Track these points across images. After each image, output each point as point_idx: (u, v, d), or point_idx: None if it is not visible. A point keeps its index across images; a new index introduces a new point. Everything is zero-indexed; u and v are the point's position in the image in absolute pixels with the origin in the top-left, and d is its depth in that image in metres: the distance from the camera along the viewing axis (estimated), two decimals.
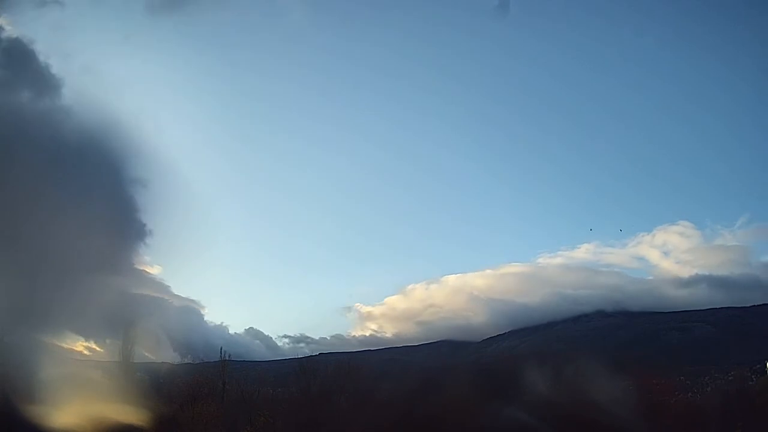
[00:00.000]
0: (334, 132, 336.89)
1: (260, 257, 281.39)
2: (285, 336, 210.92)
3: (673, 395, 44.66)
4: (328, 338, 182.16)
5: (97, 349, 51.35)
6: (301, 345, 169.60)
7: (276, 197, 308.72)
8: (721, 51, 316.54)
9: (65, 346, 46.65)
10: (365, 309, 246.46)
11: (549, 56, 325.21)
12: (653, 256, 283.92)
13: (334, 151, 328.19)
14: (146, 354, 50.55)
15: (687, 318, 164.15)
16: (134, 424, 35.21)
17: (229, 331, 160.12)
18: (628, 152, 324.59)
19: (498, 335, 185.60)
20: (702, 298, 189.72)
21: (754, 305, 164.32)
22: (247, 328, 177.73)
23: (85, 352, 51.62)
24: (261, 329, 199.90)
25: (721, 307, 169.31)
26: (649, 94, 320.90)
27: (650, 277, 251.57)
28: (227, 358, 49.22)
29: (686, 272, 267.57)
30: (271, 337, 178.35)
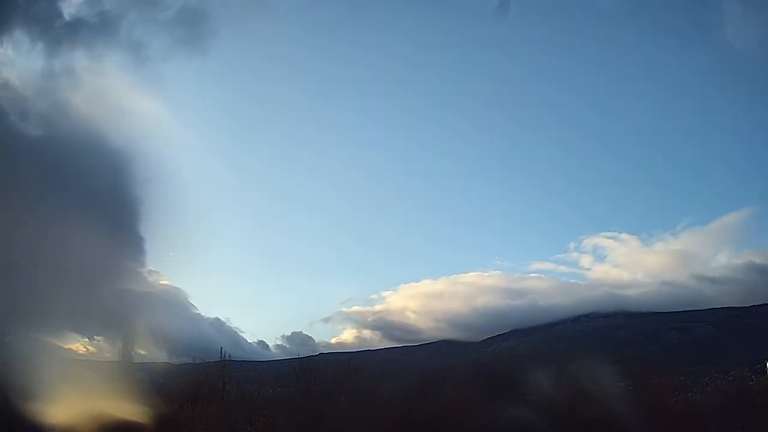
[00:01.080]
0: (329, 134, 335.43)
1: (256, 258, 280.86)
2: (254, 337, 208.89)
3: (673, 395, 44.70)
4: (289, 334, 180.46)
5: (97, 349, 51.47)
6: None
7: (275, 198, 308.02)
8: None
9: (65, 345, 46.85)
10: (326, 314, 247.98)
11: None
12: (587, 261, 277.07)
13: (327, 154, 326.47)
14: (146, 354, 50.69)
15: (687, 318, 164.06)
16: (134, 422, 35.25)
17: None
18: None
19: (498, 335, 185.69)
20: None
21: (754, 305, 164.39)
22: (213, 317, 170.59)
23: (85, 351, 51.76)
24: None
25: (721, 307, 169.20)
26: (565, 98, 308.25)
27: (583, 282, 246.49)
28: (227, 358, 49.28)
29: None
30: (237, 332, 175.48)
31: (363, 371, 49.15)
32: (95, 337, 51.43)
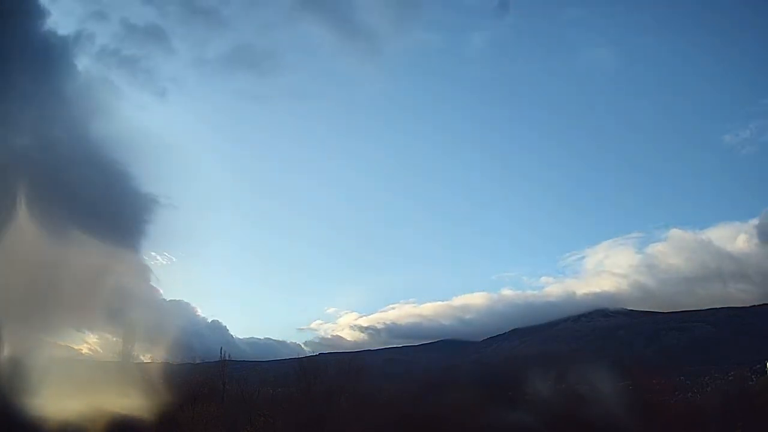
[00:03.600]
0: (327, 136, 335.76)
1: (254, 259, 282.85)
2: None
3: (673, 395, 44.70)
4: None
5: (96, 348, 51.38)
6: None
7: (276, 202, 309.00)
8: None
9: (64, 344, 46.71)
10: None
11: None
12: None
13: (328, 155, 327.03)
14: (146, 354, 50.58)
15: (687, 318, 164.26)
16: (134, 419, 35.18)
17: (228, 331, 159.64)
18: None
19: (498, 335, 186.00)
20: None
21: (754, 305, 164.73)
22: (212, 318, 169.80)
23: (85, 350, 51.65)
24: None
25: (721, 307, 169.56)
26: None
27: None
28: (227, 359, 49.19)
29: None
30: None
31: (363, 371, 49.08)
32: (95, 336, 51.35)
